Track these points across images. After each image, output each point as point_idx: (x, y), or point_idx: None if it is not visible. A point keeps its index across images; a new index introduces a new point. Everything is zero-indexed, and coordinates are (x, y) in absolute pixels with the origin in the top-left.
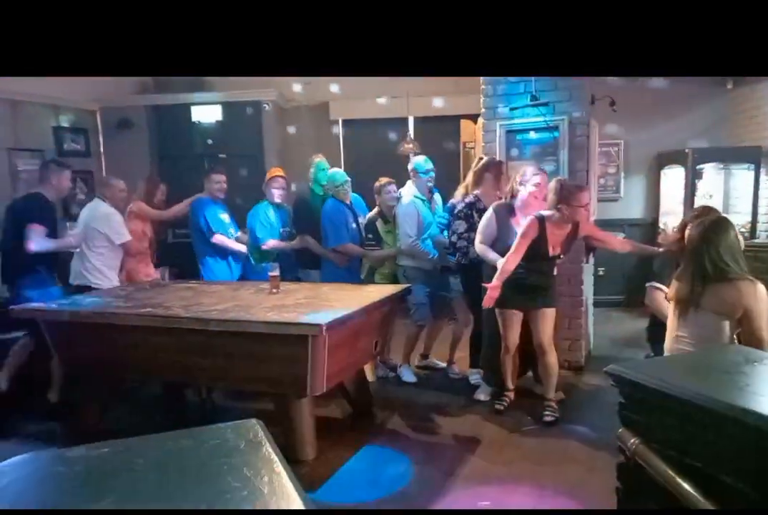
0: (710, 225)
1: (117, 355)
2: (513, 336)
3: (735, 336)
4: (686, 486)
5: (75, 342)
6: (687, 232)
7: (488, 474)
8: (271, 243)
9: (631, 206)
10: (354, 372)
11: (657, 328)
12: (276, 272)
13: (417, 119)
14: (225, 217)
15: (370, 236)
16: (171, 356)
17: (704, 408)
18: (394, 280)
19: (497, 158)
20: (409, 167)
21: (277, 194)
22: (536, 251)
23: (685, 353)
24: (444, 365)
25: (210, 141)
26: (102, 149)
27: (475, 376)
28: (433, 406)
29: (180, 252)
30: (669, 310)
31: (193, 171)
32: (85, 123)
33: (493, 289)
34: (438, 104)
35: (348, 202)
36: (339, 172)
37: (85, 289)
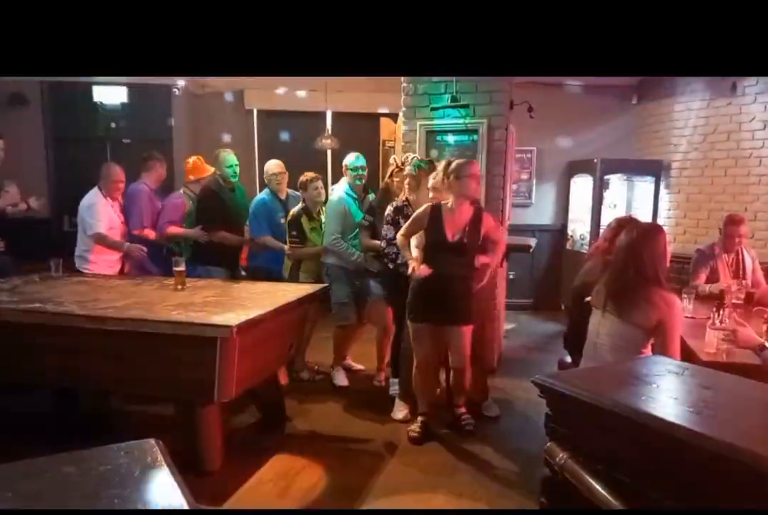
0: (642, 232)
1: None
2: (423, 352)
3: (650, 346)
4: (615, 502)
5: None
6: (619, 239)
7: (404, 481)
8: (172, 229)
9: (542, 212)
10: (266, 377)
11: (575, 335)
12: (181, 267)
13: (336, 115)
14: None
15: (294, 233)
16: (62, 358)
17: (632, 422)
18: (320, 279)
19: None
20: (343, 162)
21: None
22: (435, 238)
23: (608, 364)
24: (362, 367)
25: (113, 124)
26: None
27: (395, 387)
28: (351, 412)
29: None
30: (591, 316)
31: (93, 156)
32: None
33: (422, 271)
34: (358, 100)
35: (282, 195)
36: (274, 162)
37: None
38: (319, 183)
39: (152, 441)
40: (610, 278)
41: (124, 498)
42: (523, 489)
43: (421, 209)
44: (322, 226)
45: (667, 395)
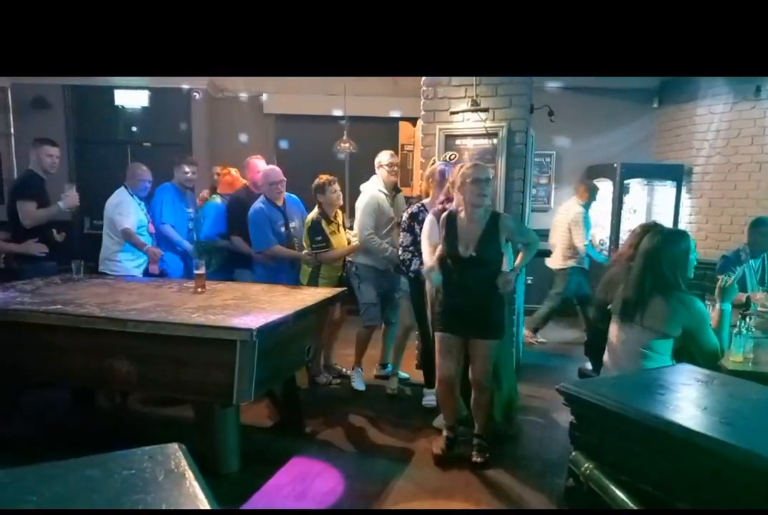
0: (663, 237)
1: (19, 356)
2: (447, 365)
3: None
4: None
5: None
6: (643, 243)
7: (420, 487)
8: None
9: None
10: (284, 379)
11: (597, 342)
12: (202, 270)
13: (354, 119)
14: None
15: (318, 238)
16: (82, 359)
17: (660, 432)
18: (339, 285)
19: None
20: (376, 160)
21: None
22: (449, 252)
23: (636, 372)
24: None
25: (134, 128)
26: (12, 130)
27: (428, 397)
28: (368, 417)
29: (96, 244)
30: (611, 323)
31: (114, 159)
32: None
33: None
34: (376, 105)
35: (280, 203)
36: (274, 170)
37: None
38: (337, 186)
39: (176, 445)
40: (630, 284)
41: (148, 504)
42: (543, 497)
43: (428, 221)
44: (340, 229)
45: (695, 405)
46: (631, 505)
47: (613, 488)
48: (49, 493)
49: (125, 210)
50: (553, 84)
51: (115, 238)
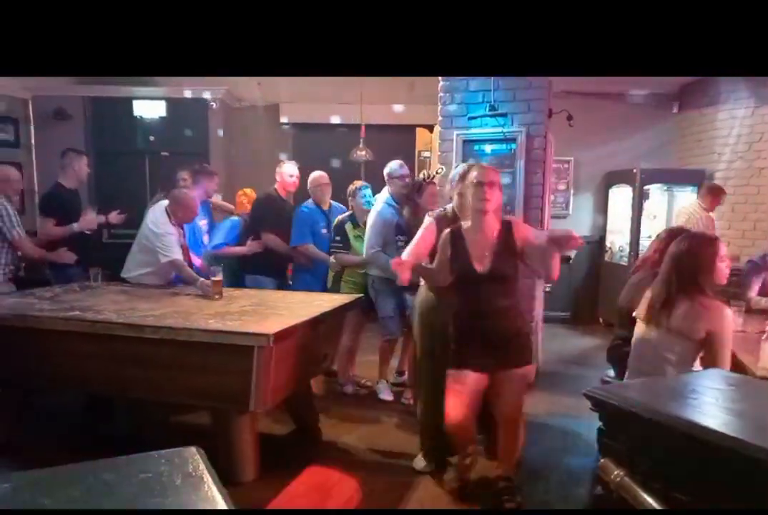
0: (689, 240)
1: (36, 363)
2: (464, 413)
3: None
4: None
5: None
6: (671, 247)
7: (440, 496)
8: (224, 250)
9: (580, 224)
10: (301, 387)
11: (620, 348)
12: (219, 277)
13: (370, 127)
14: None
15: (338, 238)
16: (99, 365)
17: (695, 438)
18: (364, 291)
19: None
20: (384, 171)
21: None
22: (462, 270)
23: (664, 377)
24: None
25: (152, 137)
26: (33, 141)
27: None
28: (390, 426)
29: (114, 253)
30: (636, 328)
31: (132, 169)
32: (16, 112)
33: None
34: (392, 112)
35: (325, 206)
36: (321, 174)
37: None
38: (369, 191)
39: (193, 448)
40: (655, 288)
41: (166, 507)
42: (565, 505)
43: (426, 223)
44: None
45: (731, 410)
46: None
47: (646, 496)
48: (64, 496)
49: (169, 241)
50: (571, 90)
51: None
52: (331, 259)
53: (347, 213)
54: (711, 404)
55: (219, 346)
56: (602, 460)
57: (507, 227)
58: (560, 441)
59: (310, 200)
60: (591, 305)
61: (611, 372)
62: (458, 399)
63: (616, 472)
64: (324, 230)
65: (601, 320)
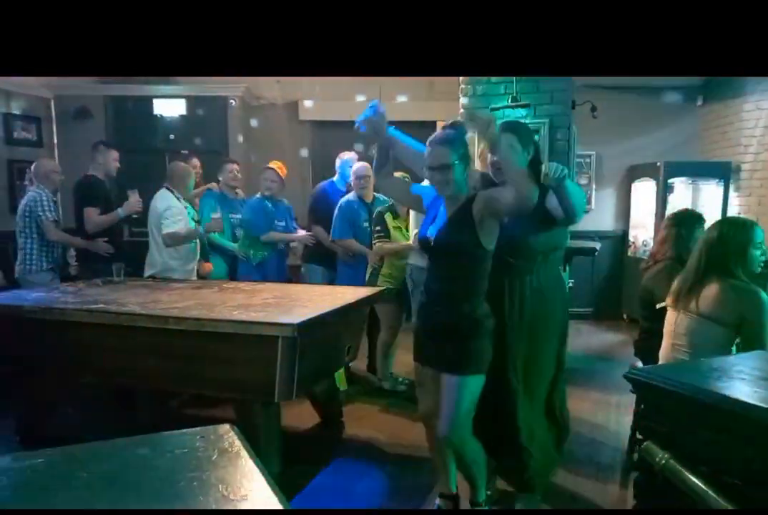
0: (731, 222)
1: (63, 355)
2: (425, 402)
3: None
4: (728, 506)
5: (16, 340)
6: (705, 234)
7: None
8: (272, 234)
9: (603, 218)
10: (324, 379)
11: (647, 340)
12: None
13: (390, 123)
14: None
15: (378, 228)
16: (123, 357)
17: (746, 419)
18: (401, 285)
19: None
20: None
21: (265, 186)
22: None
23: (711, 358)
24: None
25: (172, 136)
26: (55, 140)
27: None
28: (413, 419)
29: (135, 250)
30: (667, 316)
31: (152, 166)
32: (38, 111)
33: None
34: (412, 109)
35: (368, 199)
36: (363, 166)
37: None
38: (408, 181)
39: (227, 425)
40: (687, 270)
41: (203, 481)
42: (597, 499)
43: None
44: (406, 228)
45: None
46: (715, 497)
47: (695, 479)
48: (99, 470)
49: (171, 214)
50: (594, 82)
51: (164, 249)
52: (375, 246)
53: (387, 205)
54: (763, 385)
55: (243, 337)
56: (645, 443)
57: (471, 198)
58: (589, 436)
59: (352, 193)
60: (615, 301)
61: (639, 365)
62: (422, 394)
63: (661, 455)
64: (366, 224)
65: (624, 315)
